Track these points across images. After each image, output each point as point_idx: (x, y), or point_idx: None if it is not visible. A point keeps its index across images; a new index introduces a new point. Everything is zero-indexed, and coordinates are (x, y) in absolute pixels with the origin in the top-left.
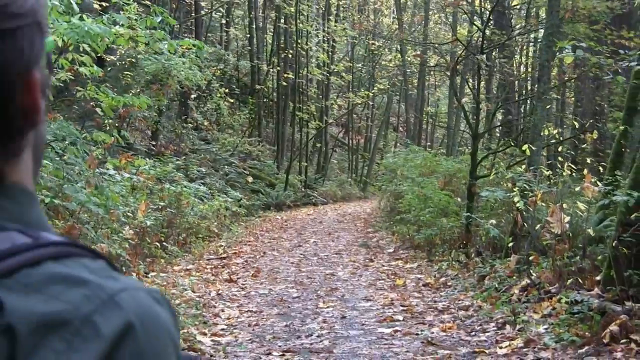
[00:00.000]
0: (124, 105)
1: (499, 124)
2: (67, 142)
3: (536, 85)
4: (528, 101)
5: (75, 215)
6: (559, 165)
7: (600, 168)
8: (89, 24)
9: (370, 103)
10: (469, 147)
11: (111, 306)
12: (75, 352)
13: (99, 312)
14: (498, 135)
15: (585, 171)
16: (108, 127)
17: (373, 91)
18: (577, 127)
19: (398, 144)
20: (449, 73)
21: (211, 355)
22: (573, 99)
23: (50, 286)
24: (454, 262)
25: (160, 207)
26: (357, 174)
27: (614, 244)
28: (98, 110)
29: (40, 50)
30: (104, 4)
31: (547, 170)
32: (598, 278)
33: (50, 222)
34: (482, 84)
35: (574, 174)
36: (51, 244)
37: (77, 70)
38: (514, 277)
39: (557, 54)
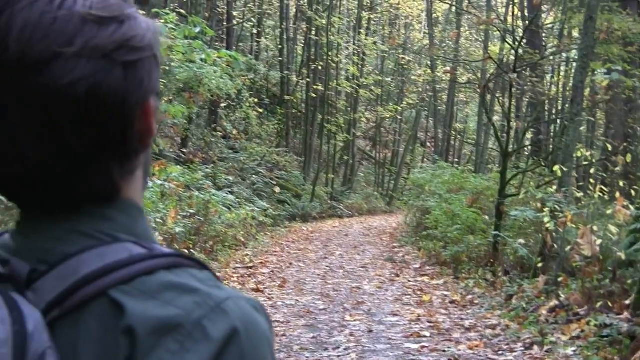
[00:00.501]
0: (167, 112)
1: (528, 143)
2: None
3: (567, 105)
4: (558, 121)
5: None
6: (591, 187)
7: (632, 191)
8: None
9: (399, 117)
10: (497, 165)
11: (218, 312)
12: (187, 352)
13: (208, 318)
14: (526, 154)
15: (617, 194)
16: None
17: (402, 105)
18: (609, 149)
19: (425, 159)
20: (479, 90)
21: None
22: (603, 120)
23: (164, 293)
24: (480, 280)
25: (189, 214)
26: (383, 187)
27: None
28: None
29: (156, 81)
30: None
31: (579, 192)
32: (627, 302)
33: None
34: (513, 102)
35: (605, 196)
36: (163, 255)
37: None
38: (542, 298)
39: (591, 75)
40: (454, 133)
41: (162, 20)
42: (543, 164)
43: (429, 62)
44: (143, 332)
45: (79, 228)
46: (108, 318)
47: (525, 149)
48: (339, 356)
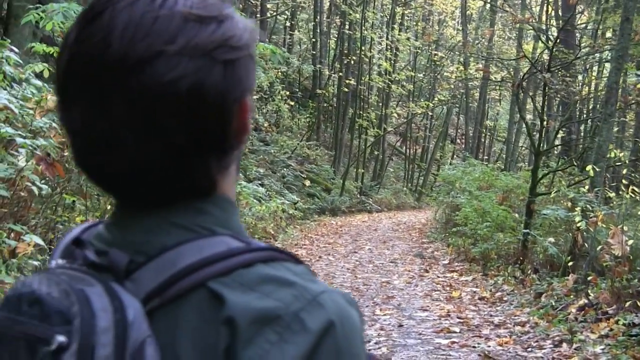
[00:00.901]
0: None
1: (560, 142)
2: None
3: (598, 105)
4: (589, 121)
5: None
6: (623, 188)
7: None
8: None
9: (430, 113)
10: (526, 163)
11: (315, 306)
12: (285, 343)
13: (305, 310)
14: (556, 153)
15: None
16: None
17: (433, 102)
18: None
19: (455, 156)
20: (513, 89)
21: None
22: (634, 121)
23: (262, 285)
24: (509, 278)
25: None
26: (412, 183)
27: None
28: None
29: (252, 79)
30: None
31: (611, 192)
32: None
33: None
34: (545, 101)
35: (637, 196)
36: (260, 249)
37: None
38: (571, 296)
39: (624, 76)
40: (484, 130)
41: None
42: (575, 164)
43: (461, 59)
44: (243, 323)
45: (176, 221)
46: (207, 309)
47: (556, 148)
48: (369, 349)
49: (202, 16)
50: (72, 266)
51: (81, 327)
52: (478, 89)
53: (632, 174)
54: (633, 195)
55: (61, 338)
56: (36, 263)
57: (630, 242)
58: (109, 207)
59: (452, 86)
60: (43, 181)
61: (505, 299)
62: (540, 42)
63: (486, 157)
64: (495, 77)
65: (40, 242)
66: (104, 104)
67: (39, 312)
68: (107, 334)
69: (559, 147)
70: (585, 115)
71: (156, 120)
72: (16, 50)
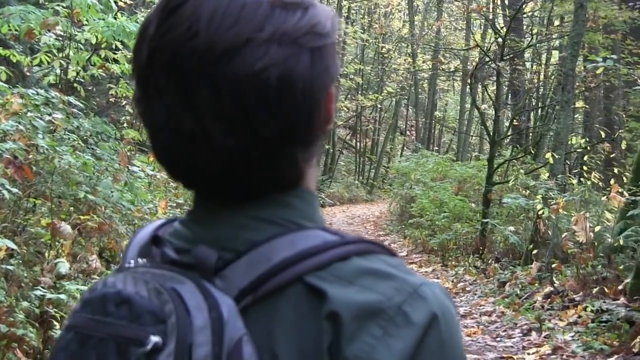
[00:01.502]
0: None
1: (513, 131)
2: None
3: (549, 93)
4: (540, 109)
5: (103, 211)
6: (585, 174)
7: (624, 178)
8: (124, 22)
9: (379, 106)
10: (477, 153)
11: (417, 298)
12: (390, 337)
13: (408, 303)
14: (507, 142)
15: (612, 181)
16: (125, 124)
17: (382, 94)
18: (602, 136)
19: (405, 148)
20: (467, 79)
21: None
22: (583, 108)
23: (361, 279)
24: (470, 268)
25: (176, 204)
26: (363, 176)
27: None
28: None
29: (337, 68)
30: (127, 1)
31: (573, 179)
32: (620, 287)
33: (80, 217)
34: (495, 90)
35: (599, 183)
36: (355, 242)
37: (108, 67)
38: (536, 285)
39: (582, 62)
40: (434, 121)
41: None
42: (532, 151)
43: (409, 51)
44: (347, 317)
45: (263, 215)
46: (305, 304)
47: (507, 137)
48: None
49: (288, 3)
50: (154, 265)
51: (177, 326)
52: (427, 80)
53: (592, 160)
54: (595, 182)
55: (156, 338)
56: (10, 267)
57: (597, 228)
58: (72, 208)
59: (401, 78)
60: (12, 185)
61: (468, 289)
62: (490, 31)
63: (437, 148)
64: (445, 68)
65: (13, 246)
66: (191, 96)
67: (127, 312)
68: (204, 333)
69: (511, 135)
70: (535, 103)
71: (244, 110)
72: None
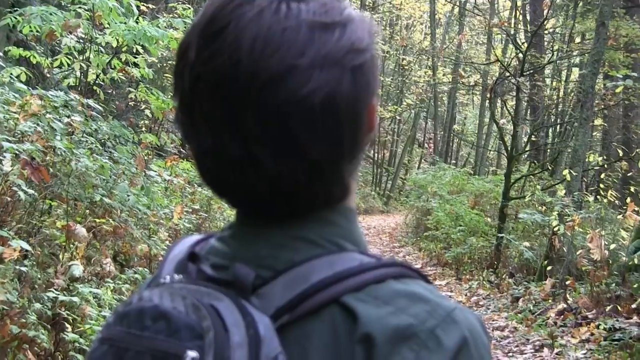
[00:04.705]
0: (172, 107)
1: (531, 147)
2: (117, 142)
3: (569, 109)
4: (558, 126)
5: (118, 214)
6: (602, 192)
7: (631, 197)
8: (145, 26)
9: (398, 118)
10: (495, 167)
11: (450, 322)
12: None
13: (440, 327)
14: (524, 158)
15: (629, 199)
16: (144, 128)
17: (401, 106)
18: (620, 154)
19: (423, 160)
20: (487, 94)
21: None
22: (602, 126)
23: (395, 300)
24: (484, 282)
25: (192, 210)
26: (380, 187)
27: None
28: (147, 111)
29: (378, 80)
30: (150, 5)
31: (589, 196)
32: (634, 306)
33: (95, 220)
34: (514, 105)
35: (615, 201)
36: (391, 265)
37: (128, 71)
38: (550, 301)
39: (603, 80)
40: (452, 135)
41: (179, 15)
42: (550, 167)
43: (429, 64)
44: (381, 340)
45: (304, 235)
46: (340, 325)
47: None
48: None
49: (326, 23)
50: (190, 281)
51: (215, 342)
52: (447, 94)
53: (609, 178)
54: (611, 200)
55: (193, 354)
56: (24, 269)
57: (612, 246)
58: (87, 211)
59: (421, 90)
60: (28, 186)
61: (481, 303)
62: (510, 46)
63: (454, 162)
64: (465, 82)
65: (27, 247)
66: (236, 123)
67: (165, 327)
68: (241, 350)
69: (529, 151)
70: (553, 119)
71: (290, 135)
72: None
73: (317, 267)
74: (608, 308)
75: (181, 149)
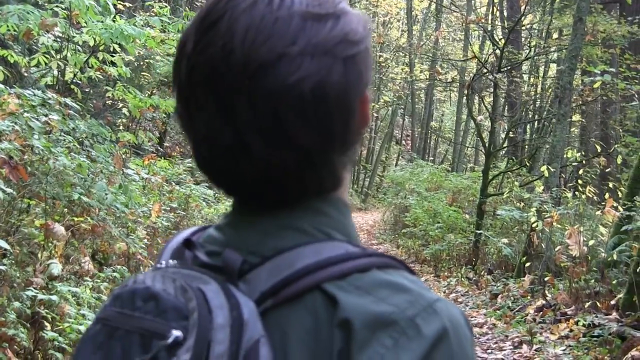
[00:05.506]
0: (150, 106)
1: (509, 143)
2: (94, 140)
3: (546, 105)
4: (536, 122)
5: (96, 213)
6: (580, 188)
7: (619, 193)
8: (122, 24)
9: (375, 115)
10: (473, 164)
11: (430, 312)
12: (400, 349)
13: (420, 316)
14: (502, 154)
15: (607, 195)
16: (121, 127)
17: (378, 103)
18: (598, 150)
19: (401, 157)
20: (464, 90)
21: None
22: (579, 121)
23: (378, 290)
24: (463, 279)
25: (170, 208)
26: (358, 185)
27: (637, 270)
28: (124, 110)
29: (370, 72)
30: (127, 4)
31: (568, 192)
32: (613, 302)
33: (73, 219)
34: (491, 101)
35: (594, 197)
36: (376, 255)
37: (105, 69)
38: (528, 297)
39: (581, 76)
40: (430, 131)
41: (155, 14)
42: (527, 163)
43: (406, 61)
44: (359, 326)
45: (293, 223)
46: (321, 311)
47: (503, 149)
48: None
49: (319, 14)
50: (184, 266)
51: (198, 322)
52: (424, 90)
53: (587, 174)
54: (590, 196)
55: (177, 333)
56: (3, 268)
57: (591, 242)
58: (65, 210)
59: (398, 87)
60: (6, 185)
61: (460, 300)
62: (487, 42)
63: (432, 158)
64: (443, 79)
65: (6, 246)
66: (229, 111)
67: (154, 307)
68: (223, 331)
69: (507, 147)
70: (531, 115)
71: (282, 122)
72: None
73: (303, 254)
74: (587, 304)
75: (159, 148)
